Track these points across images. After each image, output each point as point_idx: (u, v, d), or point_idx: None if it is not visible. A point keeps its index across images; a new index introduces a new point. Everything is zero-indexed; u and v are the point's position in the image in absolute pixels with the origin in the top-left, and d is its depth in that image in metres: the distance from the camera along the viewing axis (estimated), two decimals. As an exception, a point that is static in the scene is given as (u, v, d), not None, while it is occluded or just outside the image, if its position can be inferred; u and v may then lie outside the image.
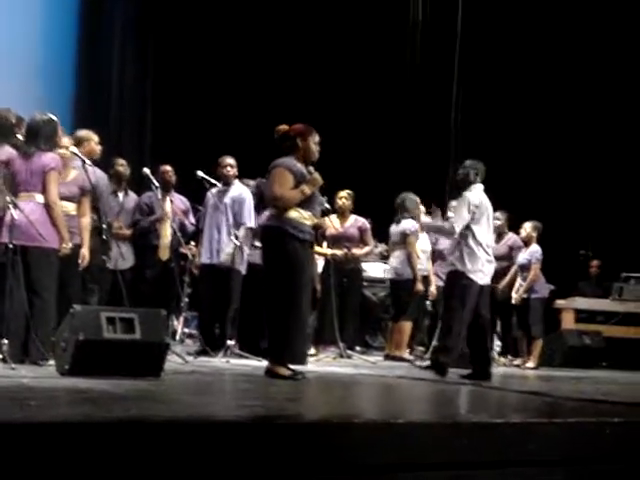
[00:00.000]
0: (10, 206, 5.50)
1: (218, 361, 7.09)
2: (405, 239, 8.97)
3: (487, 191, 6.83)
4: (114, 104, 12.23)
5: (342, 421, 3.23)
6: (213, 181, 8.17)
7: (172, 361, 6.08)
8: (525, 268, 9.15)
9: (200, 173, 8.16)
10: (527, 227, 9.26)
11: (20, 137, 6.00)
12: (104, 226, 6.64)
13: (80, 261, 6.23)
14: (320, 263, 8.93)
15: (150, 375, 4.85)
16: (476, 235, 6.63)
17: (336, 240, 8.76)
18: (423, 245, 9.20)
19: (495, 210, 7.29)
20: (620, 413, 4.02)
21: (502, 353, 9.54)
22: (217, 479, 2.77)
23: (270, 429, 2.96)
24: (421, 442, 3.13)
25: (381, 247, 10.47)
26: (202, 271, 8.19)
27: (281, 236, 5.58)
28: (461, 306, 6.55)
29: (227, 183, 8.11)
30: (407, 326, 9.03)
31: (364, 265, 9.61)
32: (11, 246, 5.49)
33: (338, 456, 2.96)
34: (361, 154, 12.56)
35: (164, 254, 7.95)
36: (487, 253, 6.70)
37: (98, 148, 7.00)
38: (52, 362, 5.23)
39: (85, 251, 6.27)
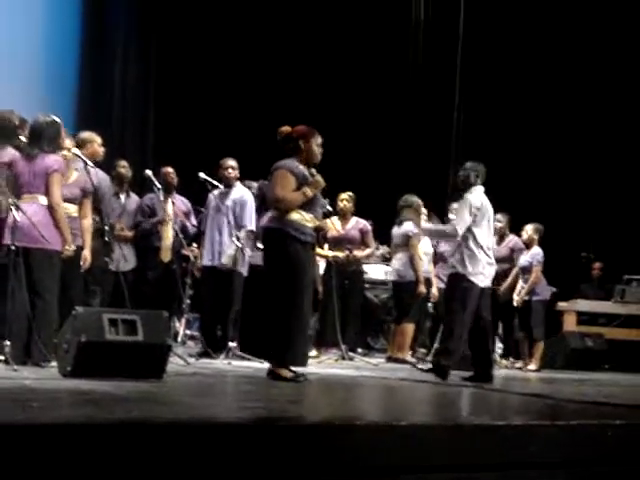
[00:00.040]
0: (12, 208, 5.50)
1: (220, 363, 7.10)
2: (407, 241, 8.96)
3: (488, 193, 6.82)
4: (116, 105, 12.23)
5: (344, 423, 3.23)
6: (215, 183, 8.17)
7: (174, 363, 6.08)
8: (526, 270, 9.15)
9: (202, 175, 8.17)
10: (528, 229, 9.26)
11: (23, 139, 6.00)
12: (106, 228, 6.64)
13: (82, 263, 6.23)
14: (322, 265, 8.94)
15: (152, 377, 4.85)
16: (477, 237, 6.62)
17: (337, 242, 8.77)
18: (425, 247, 9.19)
19: (496, 212, 7.29)
20: (622, 415, 4.03)
21: (504, 355, 9.53)
22: (219, 481, 2.78)
23: (272, 431, 2.96)
24: (423, 444, 3.13)
25: (383, 249, 10.48)
26: (204, 273, 8.19)
27: (283, 238, 5.58)
28: (462, 309, 6.54)
29: (229, 185, 8.12)
30: (409, 328, 9.02)
31: (366, 267, 9.62)
32: (13, 248, 5.49)
33: (340, 458, 2.96)
34: (362, 156, 12.56)
35: (166, 256, 7.96)
36: (488, 255, 6.69)
37: (101, 150, 7.00)
38: (54, 364, 5.23)
39: (87, 253, 6.27)
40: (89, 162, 6.48)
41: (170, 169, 8.27)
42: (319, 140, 5.82)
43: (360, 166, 12.23)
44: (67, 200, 6.03)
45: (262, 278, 5.90)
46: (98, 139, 7.01)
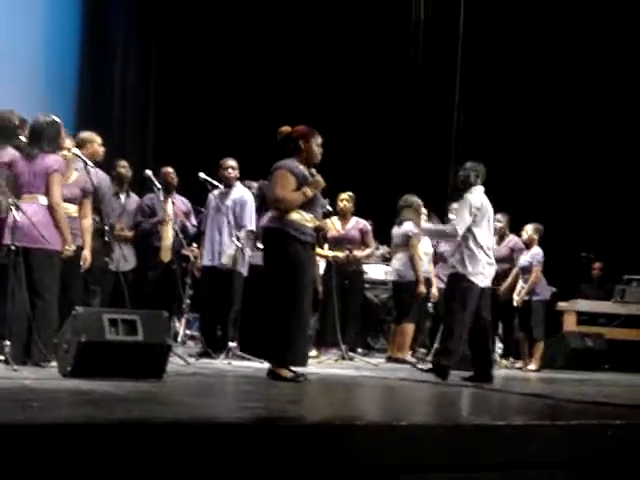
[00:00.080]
0: (13, 208, 5.50)
1: (220, 363, 7.10)
2: (407, 241, 8.96)
3: (488, 193, 6.82)
4: (116, 105, 12.23)
5: (344, 423, 3.23)
6: (215, 183, 8.17)
7: (174, 363, 6.08)
8: (526, 270, 9.15)
9: (202, 175, 8.17)
10: (528, 229, 9.26)
11: (23, 139, 6.00)
12: (106, 228, 6.64)
13: (82, 263, 6.24)
14: (322, 265, 8.94)
15: (152, 377, 4.85)
16: (477, 237, 6.62)
17: (337, 242, 8.77)
18: (425, 247, 9.19)
19: (496, 212, 7.29)
20: (622, 415, 4.03)
21: (504, 355, 9.53)
22: (219, 481, 2.78)
23: (272, 431, 2.96)
24: (423, 444, 3.13)
25: (382, 249, 10.48)
26: (204, 273, 8.19)
27: (283, 238, 5.58)
28: (462, 309, 6.54)
29: (229, 185, 8.12)
30: (409, 328, 9.02)
31: (366, 267, 9.62)
32: (13, 248, 5.49)
33: (340, 458, 2.96)
34: (362, 156, 12.56)
35: (166, 256, 7.96)
36: (488, 255, 6.69)
37: (101, 150, 7.00)
38: (54, 364, 5.23)
39: (87, 253, 6.27)
40: (89, 162, 6.48)
41: (170, 169, 8.27)
42: (319, 140, 5.82)
43: (360, 166, 12.22)
44: (67, 200, 6.03)
45: (262, 278, 5.90)
46: (98, 139, 7.01)
